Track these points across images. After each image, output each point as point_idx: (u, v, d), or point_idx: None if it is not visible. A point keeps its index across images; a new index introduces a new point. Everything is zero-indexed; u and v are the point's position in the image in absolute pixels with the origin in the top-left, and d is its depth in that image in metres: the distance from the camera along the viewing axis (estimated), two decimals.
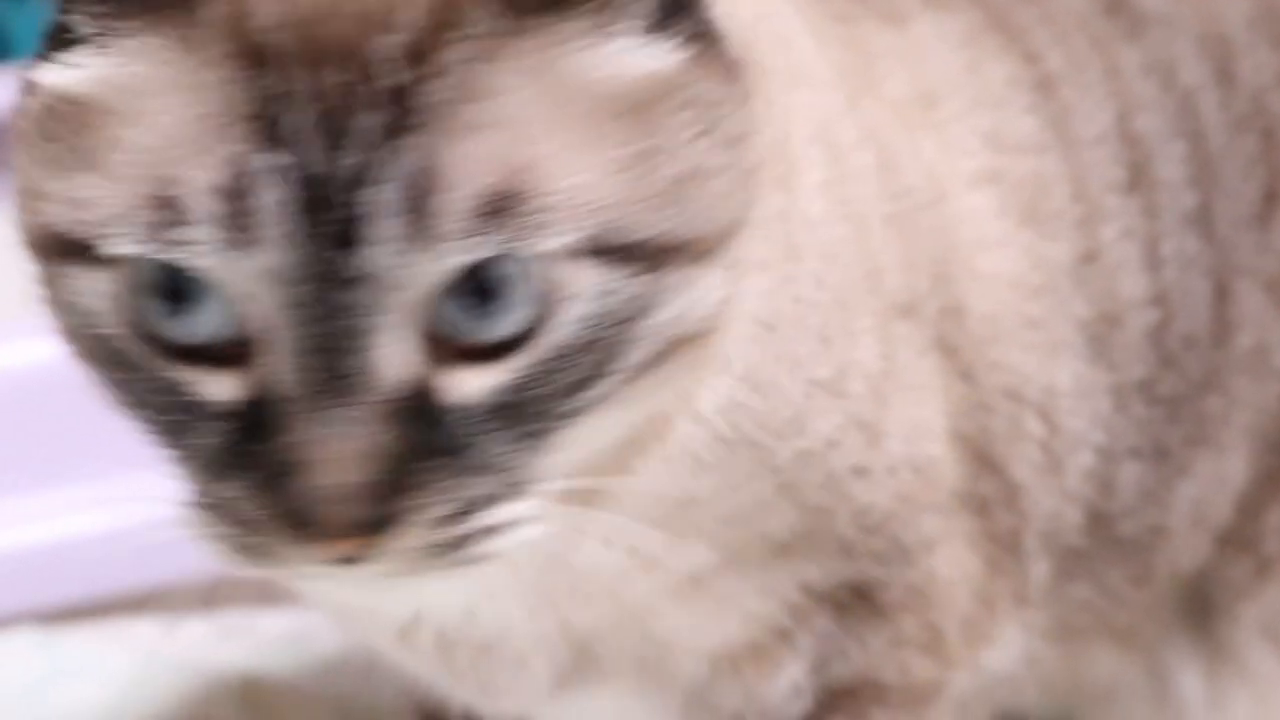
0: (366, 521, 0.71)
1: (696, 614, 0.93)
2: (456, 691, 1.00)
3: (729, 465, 0.87)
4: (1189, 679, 1.13)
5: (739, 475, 0.87)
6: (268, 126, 0.68)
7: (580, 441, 0.75)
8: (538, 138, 0.70)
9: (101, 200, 0.71)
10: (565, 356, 0.72)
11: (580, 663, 0.94)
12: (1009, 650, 1.03)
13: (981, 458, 0.98)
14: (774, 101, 0.86)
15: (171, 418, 0.74)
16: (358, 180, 0.68)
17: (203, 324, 0.72)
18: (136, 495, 1.57)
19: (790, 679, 0.95)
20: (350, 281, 0.68)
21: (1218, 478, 1.08)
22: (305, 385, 0.70)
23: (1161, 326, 1.04)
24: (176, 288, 0.71)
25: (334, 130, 0.68)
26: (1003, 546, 1.00)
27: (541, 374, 0.72)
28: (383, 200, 0.68)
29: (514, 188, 0.69)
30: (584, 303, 0.71)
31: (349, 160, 0.68)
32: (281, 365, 0.70)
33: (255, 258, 0.69)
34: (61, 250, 0.73)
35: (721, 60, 0.76)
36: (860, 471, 0.91)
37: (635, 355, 0.73)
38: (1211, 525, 1.09)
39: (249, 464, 0.72)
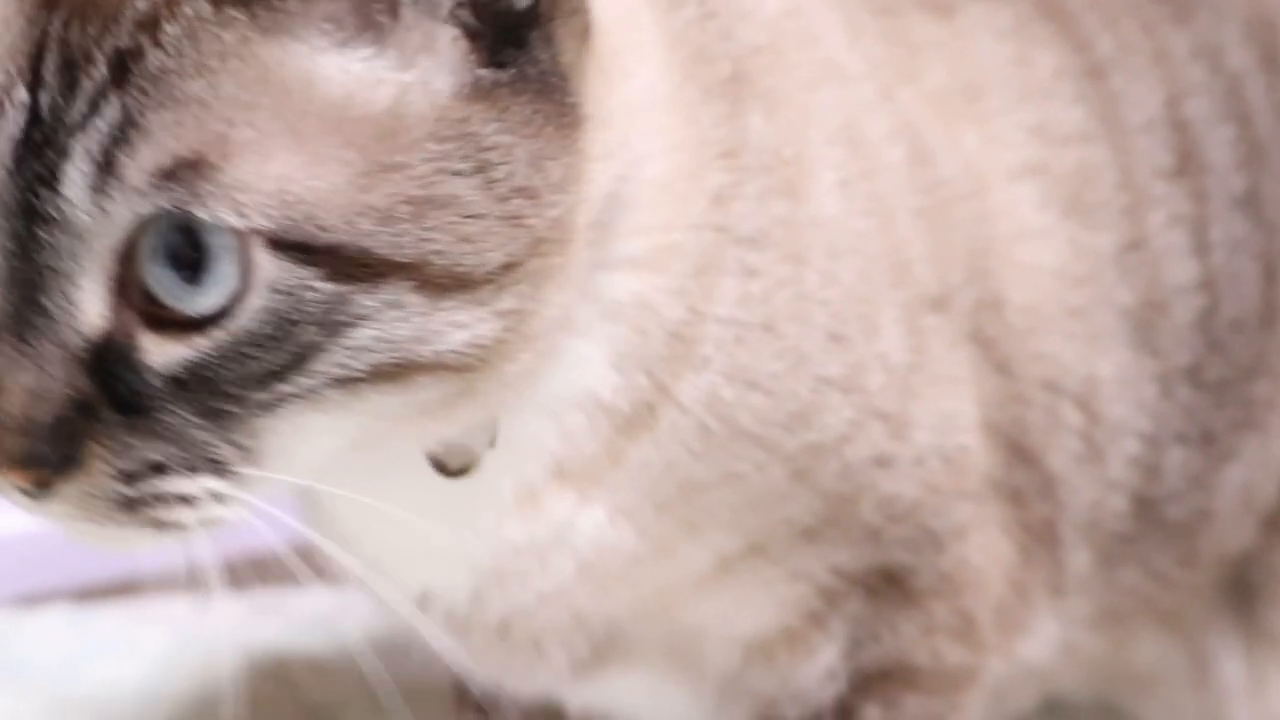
0: (36, 456, 0.73)
1: (727, 601, 0.93)
2: (477, 671, 0.99)
3: (729, 454, 0.87)
4: (1230, 663, 1.12)
5: (744, 464, 0.88)
6: (33, 66, 0.72)
7: (292, 435, 0.75)
8: (239, 123, 0.71)
9: None
10: (253, 344, 0.72)
11: (602, 650, 0.94)
12: (1045, 639, 1.02)
13: (1015, 448, 0.97)
14: (783, 112, 0.86)
15: None
16: (72, 127, 0.71)
17: None
18: None
19: (824, 663, 0.95)
20: (49, 221, 0.71)
21: (1265, 461, 1.07)
22: (10, 316, 0.73)
23: (1209, 311, 1.03)
24: None
25: (70, 79, 0.72)
26: (1037, 536, 0.99)
27: (230, 356, 0.73)
28: (82, 147, 0.71)
29: (202, 159, 0.70)
30: (269, 293, 0.72)
31: (71, 107, 0.71)
32: (2, 296, 0.73)
33: None
34: None
35: (540, 109, 0.75)
36: (882, 462, 0.91)
37: (342, 364, 0.73)
38: (1258, 508, 1.08)
39: None
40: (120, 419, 0.73)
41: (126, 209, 0.71)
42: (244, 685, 1.26)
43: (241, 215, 0.70)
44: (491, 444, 0.85)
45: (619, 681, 0.96)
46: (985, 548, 0.96)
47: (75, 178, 0.71)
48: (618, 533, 0.88)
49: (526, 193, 0.75)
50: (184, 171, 0.70)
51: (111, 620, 1.37)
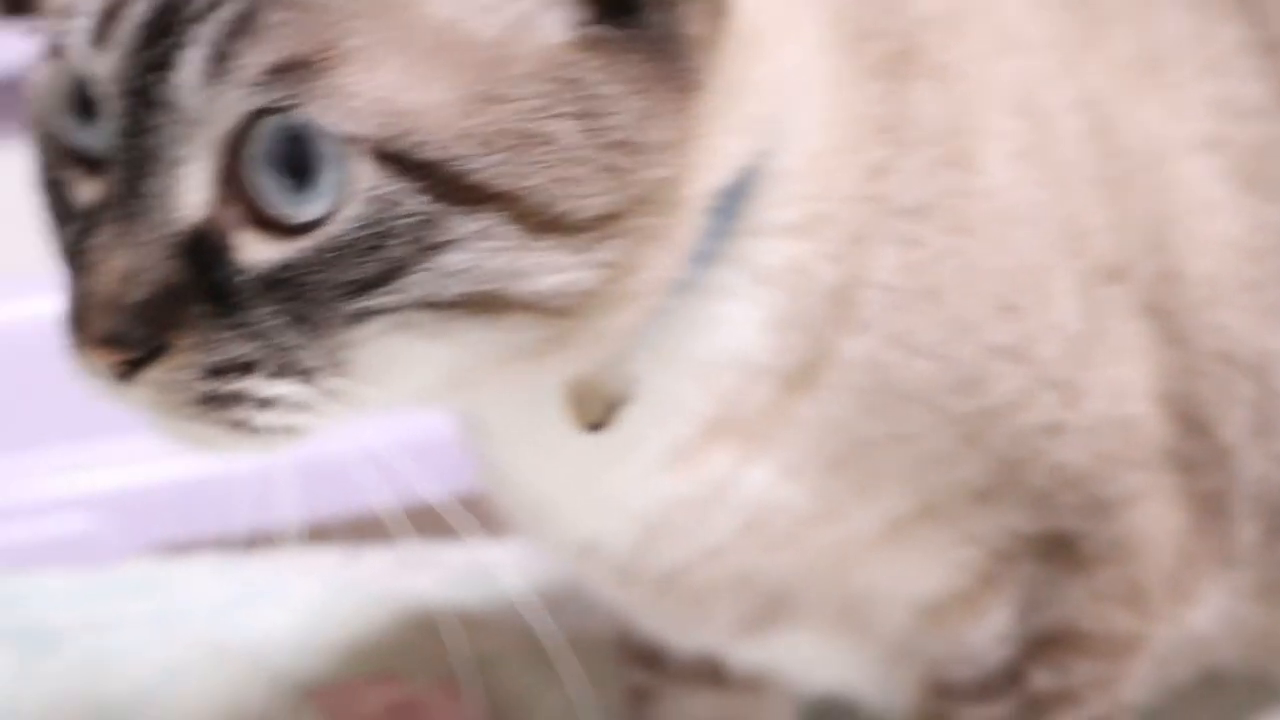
0: (122, 337, 0.73)
1: (900, 562, 0.93)
2: (642, 624, 1.01)
3: (895, 415, 0.87)
4: None
5: (912, 425, 0.88)
6: None
7: (382, 354, 0.75)
8: (351, 30, 0.72)
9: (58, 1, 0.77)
10: (346, 252, 0.73)
11: (767, 609, 0.95)
12: (1210, 610, 1.02)
13: (1189, 419, 0.96)
14: (956, 84, 0.87)
15: (57, 213, 0.79)
16: (193, 16, 0.73)
17: (95, 136, 0.77)
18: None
19: (995, 625, 0.95)
20: (162, 106, 0.73)
21: None
22: (114, 197, 0.74)
23: None
24: (84, 102, 0.77)
25: None
26: (1207, 507, 0.98)
27: (323, 263, 0.73)
28: (200, 35, 0.72)
29: (313, 61, 0.71)
30: (367, 203, 0.73)
31: None
32: (109, 176, 0.75)
33: (105, 58, 0.74)
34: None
35: (654, 69, 0.76)
36: (1053, 430, 0.91)
37: (432, 285, 0.73)
38: None
39: (74, 264, 0.76)
40: (210, 313, 0.74)
41: (236, 101, 0.72)
42: (397, 635, 1.28)
43: (346, 120, 0.72)
44: (629, 399, 0.86)
45: (784, 640, 0.97)
46: (1156, 516, 0.96)
47: (190, 65, 0.72)
48: (785, 491, 0.88)
49: (629, 147, 0.75)
50: (295, 71, 0.71)
51: (262, 569, 1.38)
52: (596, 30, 0.75)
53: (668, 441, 0.87)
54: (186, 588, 1.37)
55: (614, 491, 0.89)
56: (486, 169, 0.73)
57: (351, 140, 0.72)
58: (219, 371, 0.74)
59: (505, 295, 0.74)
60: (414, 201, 0.72)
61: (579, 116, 0.74)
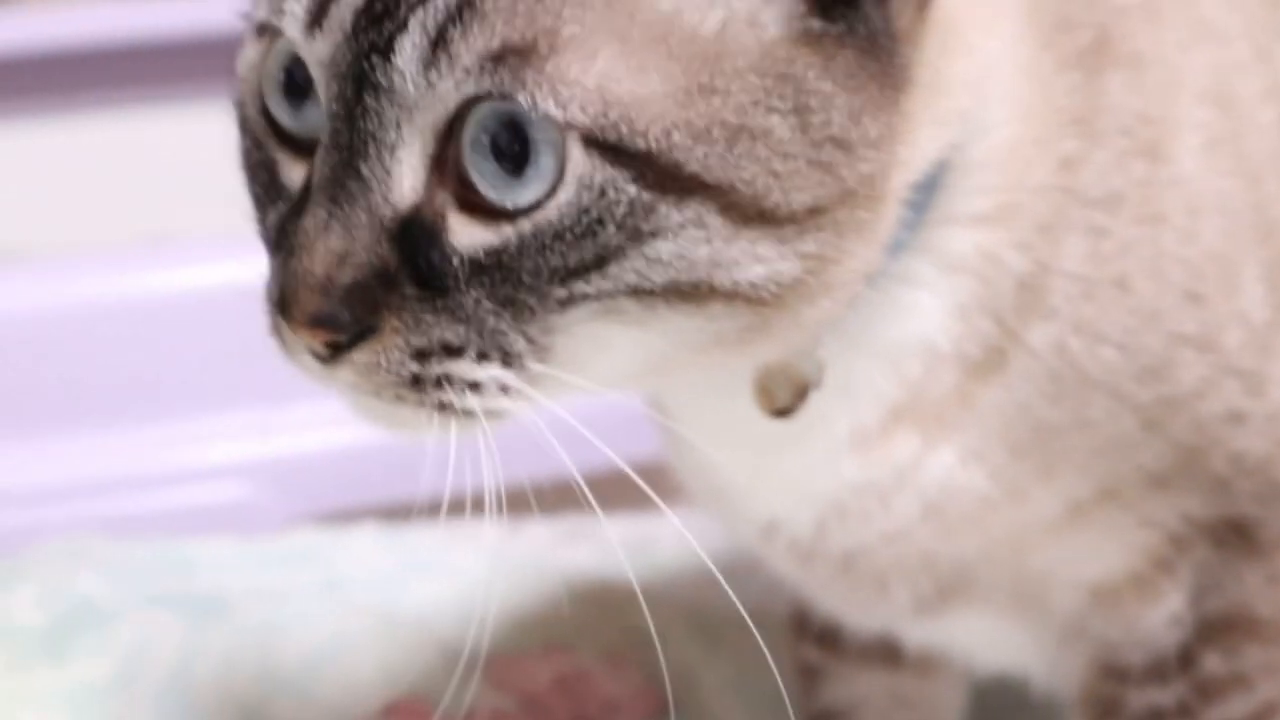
0: (332, 318, 0.74)
1: (1078, 545, 0.93)
2: (820, 602, 1.02)
3: (1079, 400, 0.88)
4: None
5: (1095, 411, 0.88)
6: None
7: (586, 340, 0.76)
8: (569, 18, 0.73)
9: None
10: (556, 238, 0.74)
11: (946, 590, 0.96)
12: None
13: None
14: (1150, 73, 0.86)
15: (262, 192, 0.80)
16: (413, 3, 0.74)
17: (305, 118, 0.78)
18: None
19: (1170, 609, 0.95)
20: (379, 90, 0.74)
21: None
22: (326, 179, 0.75)
23: None
24: (295, 83, 0.78)
25: None
26: None
27: (533, 248, 0.74)
28: (420, 21, 0.73)
29: (531, 48, 0.72)
30: (579, 190, 0.73)
31: None
32: (321, 158, 0.76)
33: (321, 41, 0.75)
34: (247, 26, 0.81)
35: (866, 66, 0.76)
36: (1236, 418, 0.91)
37: (639, 273, 0.74)
38: None
39: (282, 245, 0.77)
40: (419, 295, 0.75)
41: (454, 87, 0.73)
42: (560, 607, 1.28)
43: (562, 107, 0.72)
44: (818, 385, 0.86)
45: (960, 620, 0.98)
46: None
47: (409, 50, 0.73)
48: (968, 475, 0.89)
49: (840, 143, 0.76)
50: (512, 58, 0.72)
51: (424, 540, 1.40)
52: (813, 24, 0.76)
53: (853, 426, 0.88)
54: (351, 557, 1.39)
55: (798, 474, 0.90)
56: (699, 160, 0.74)
57: (568, 127, 0.73)
58: (425, 354, 0.75)
59: (710, 284, 0.75)
60: (626, 189, 0.73)
61: (793, 112, 0.75)
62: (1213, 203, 0.89)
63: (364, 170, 0.74)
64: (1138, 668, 0.97)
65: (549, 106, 0.72)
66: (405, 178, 0.75)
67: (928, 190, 0.84)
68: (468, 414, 0.77)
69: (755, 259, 0.75)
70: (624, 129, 0.73)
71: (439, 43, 0.73)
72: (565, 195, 0.73)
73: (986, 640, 1.00)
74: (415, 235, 0.75)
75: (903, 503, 0.90)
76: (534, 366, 0.76)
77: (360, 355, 0.75)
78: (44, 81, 2.22)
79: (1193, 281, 0.88)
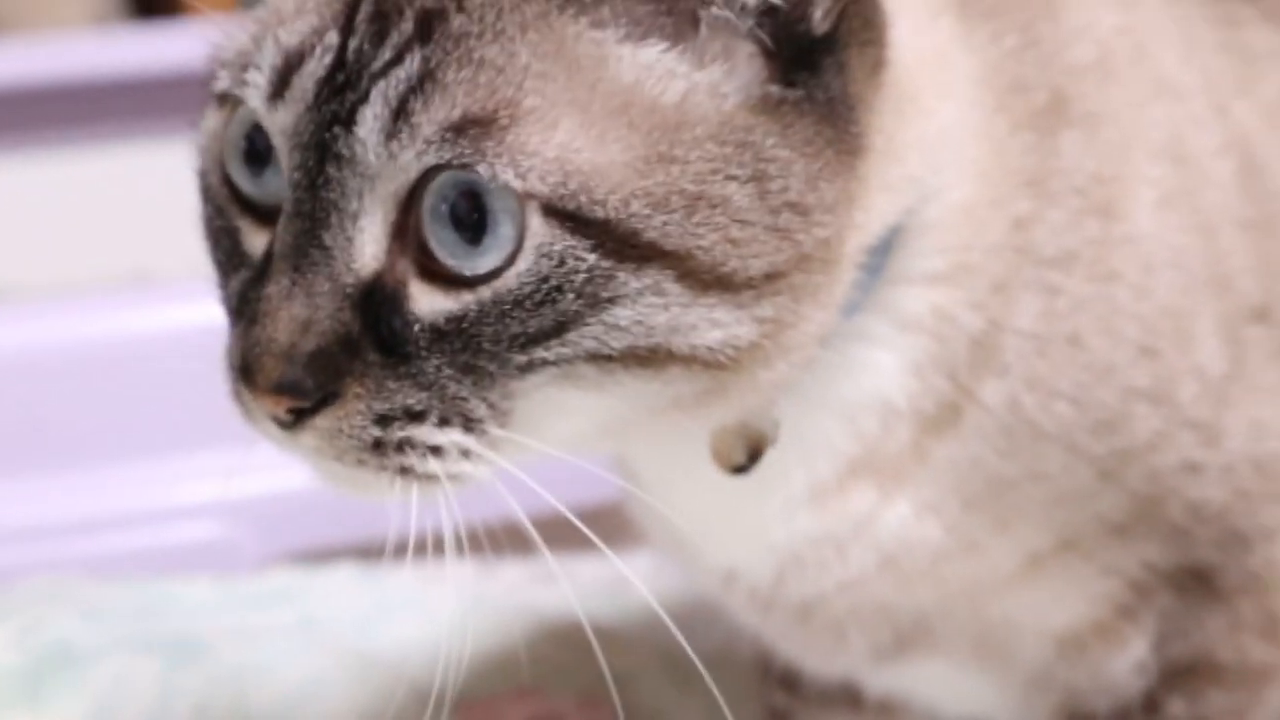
0: (294, 385, 0.75)
1: (1039, 595, 0.94)
2: (779, 649, 1.03)
3: (1034, 455, 0.89)
4: None
5: (1050, 465, 0.89)
6: (347, 13, 0.76)
7: (544, 404, 0.77)
8: (529, 90, 0.74)
9: (231, 45, 0.80)
10: (516, 305, 0.75)
11: (905, 639, 0.97)
12: None
13: None
14: (1105, 132, 0.88)
15: (225, 259, 0.81)
16: (375, 74, 0.75)
17: (266, 185, 0.79)
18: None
19: (1134, 656, 0.96)
20: (340, 159, 0.75)
21: None
22: (289, 247, 0.76)
23: None
24: (256, 151, 0.79)
25: (379, 30, 0.75)
26: None
27: (493, 315, 0.75)
28: (381, 93, 0.74)
29: (491, 119, 0.73)
30: (538, 258, 0.74)
31: (376, 55, 0.75)
32: (283, 226, 0.77)
33: (283, 111, 0.76)
34: (206, 94, 0.83)
35: (823, 132, 0.77)
36: (1192, 468, 0.92)
37: (598, 339, 0.75)
38: None
39: (244, 312, 0.78)
40: (381, 361, 0.76)
41: (415, 157, 0.74)
42: (535, 648, 1.29)
43: (521, 177, 0.73)
44: (773, 443, 0.87)
45: (920, 669, 0.99)
46: None
47: (370, 120, 0.74)
48: (924, 528, 0.90)
49: (798, 209, 0.77)
50: (472, 129, 0.73)
51: (399, 581, 1.40)
52: (774, 91, 0.77)
53: (811, 481, 0.89)
54: (327, 597, 1.39)
55: (756, 527, 0.91)
56: (657, 228, 0.75)
57: (526, 196, 0.74)
58: (388, 419, 0.76)
59: (668, 349, 0.76)
60: (585, 257, 0.74)
61: (751, 179, 0.76)
62: (1167, 258, 0.90)
63: (326, 239, 0.75)
64: (1103, 714, 0.97)
65: (508, 176, 0.73)
66: (367, 246, 0.76)
67: (882, 253, 0.85)
68: (429, 478, 0.78)
69: (713, 324, 0.76)
70: (583, 198, 0.74)
71: (400, 113, 0.74)
72: (524, 263, 0.74)
73: (949, 688, 1.01)
74: (377, 302, 0.76)
75: (859, 554, 0.91)
76: (495, 431, 0.77)
77: (323, 421, 0.76)
78: (19, 116, 2.23)
79: (1147, 337, 0.89)
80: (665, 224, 0.74)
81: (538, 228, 0.74)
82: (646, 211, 0.74)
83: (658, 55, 0.76)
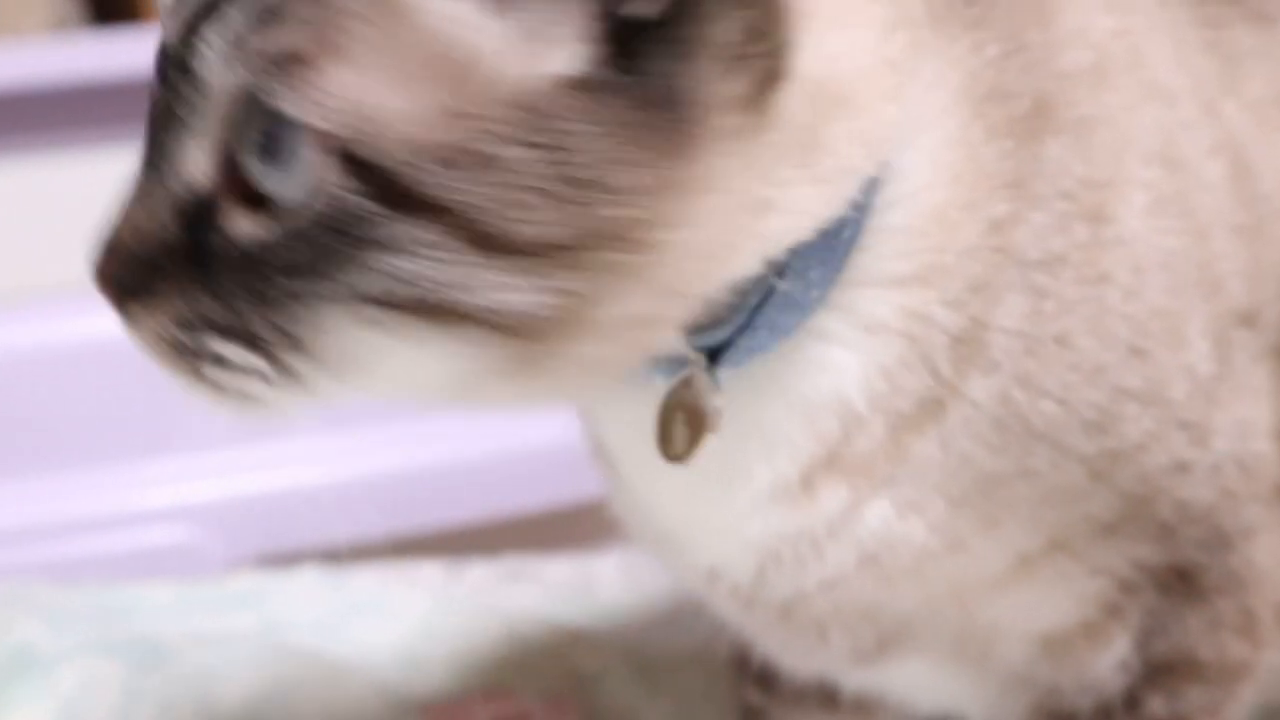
0: (118, 279, 0.81)
1: (1027, 596, 0.94)
2: (759, 646, 1.02)
3: (1024, 451, 0.88)
4: None
5: (1040, 462, 0.89)
6: None
7: (348, 344, 0.79)
8: (350, 33, 0.76)
9: None
10: (301, 238, 0.77)
11: (886, 639, 0.96)
12: None
13: None
14: (1098, 136, 0.87)
15: None
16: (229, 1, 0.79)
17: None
18: (420, 438, 1.59)
19: (1118, 654, 0.96)
20: (187, 73, 0.79)
21: None
22: (146, 154, 0.82)
23: None
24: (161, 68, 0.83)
25: None
26: None
27: (283, 244, 0.78)
28: (230, 15, 0.77)
29: (311, 56, 0.76)
30: (323, 196, 0.76)
31: None
32: (146, 133, 0.82)
33: (168, 27, 0.81)
34: None
35: (641, 115, 0.76)
36: (1181, 468, 0.91)
37: (380, 285, 0.76)
38: None
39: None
40: (194, 273, 0.80)
41: (238, 82, 0.76)
42: (503, 649, 1.28)
43: (320, 117, 0.75)
44: (713, 430, 0.86)
45: (898, 668, 0.98)
46: (1270, 549, 0.96)
47: (214, 40, 0.77)
48: (906, 526, 0.89)
49: (589, 186, 0.76)
50: (292, 64, 0.75)
51: (365, 582, 1.39)
52: (595, 72, 0.76)
53: (773, 478, 0.88)
54: (291, 601, 1.38)
55: (730, 522, 0.90)
56: (434, 183, 0.75)
57: (320, 135, 0.75)
58: (190, 325, 0.80)
59: (457, 306, 0.77)
60: (364, 204, 0.76)
61: (541, 147, 0.75)
62: (1158, 260, 0.89)
63: (168, 150, 0.80)
64: (1084, 712, 0.97)
65: (307, 113, 0.75)
66: (197, 160, 0.79)
67: (834, 251, 0.84)
68: (220, 389, 0.81)
69: (499, 287, 0.76)
70: (370, 145, 0.75)
71: (239, 40, 0.77)
72: (313, 200, 0.76)
73: (925, 686, 1.00)
74: (200, 217, 0.79)
75: (837, 552, 0.90)
76: (287, 357, 0.80)
77: (142, 317, 0.81)
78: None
79: (1137, 337, 0.88)
80: (449, 180, 0.75)
81: (328, 167, 0.75)
82: (425, 164, 0.75)
83: (477, 15, 0.76)
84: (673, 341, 0.83)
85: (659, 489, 0.92)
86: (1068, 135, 0.87)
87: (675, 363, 0.86)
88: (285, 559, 1.47)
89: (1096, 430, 0.88)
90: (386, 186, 0.75)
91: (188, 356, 0.81)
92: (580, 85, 0.75)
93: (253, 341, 0.80)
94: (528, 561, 1.38)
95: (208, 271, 0.79)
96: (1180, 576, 0.94)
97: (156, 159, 0.80)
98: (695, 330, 0.84)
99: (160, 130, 0.80)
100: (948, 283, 0.86)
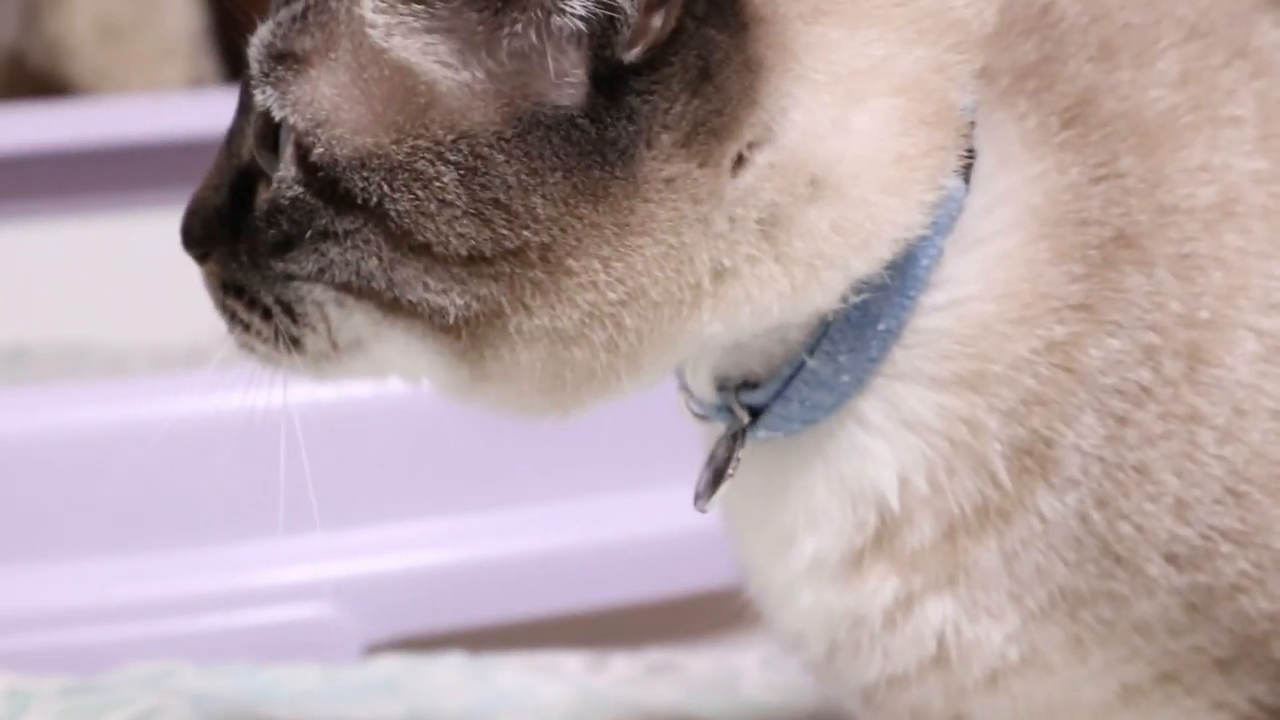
0: (189, 235, 0.93)
1: None
2: None
3: (1103, 574, 0.88)
4: None
5: (1123, 588, 0.88)
6: None
7: (329, 316, 0.89)
8: (338, 43, 0.87)
9: None
10: (267, 216, 0.88)
11: None
12: None
13: None
14: (1208, 275, 0.87)
15: None
16: (280, 3, 0.90)
17: None
18: (560, 519, 1.58)
19: None
20: (248, 64, 0.90)
21: None
22: (230, 130, 0.93)
23: None
24: None
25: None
26: None
27: (264, 220, 0.89)
28: (280, 13, 0.89)
29: (301, 59, 0.87)
30: (285, 184, 0.87)
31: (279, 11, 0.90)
32: (235, 113, 0.93)
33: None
34: None
35: (566, 158, 0.84)
36: None
37: (321, 267, 0.87)
38: None
39: None
40: (233, 239, 0.91)
41: (259, 73, 0.88)
42: None
43: (293, 114, 0.86)
44: (728, 477, 0.91)
45: None
46: None
47: (261, 39, 0.89)
48: (978, 632, 0.89)
49: (503, 208, 0.84)
50: (290, 62, 0.87)
51: (508, 673, 1.39)
52: (528, 110, 0.84)
53: (817, 549, 0.91)
54: (435, 689, 1.38)
55: (784, 585, 0.93)
56: (360, 185, 0.85)
57: (289, 129, 0.87)
58: (226, 287, 0.92)
59: (399, 301, 0.86)
60: (304, 198, 0.87)
61: (474, 173, 0.84)
62: (1264, 407, 0.88)
63: (236, 127, 0.92)
64: None
65: (284, 109, 0.86)
66: (248, 139, 0.90)
67: (861, 338, 0.87)
68: (261, 355, 0.91)
69: (425, 286, 0.86)
70: (316, 143, 0.86)
71: (273, 34, 0.88)
72: (278, 184, 0.87)
73: None
74: (245, 189, 0.90)
75: (898, 645, 0.90)
76: (284, 323, 0.89)
77: (206, 275, 0.93)
78: (116, 175, 2.25)
79: (1232, 480, 0.87)
80: (367, 183, 0.85)
81: (288, 159, 0.87)
82: (356, 168, 0.85)
83: (446, 58, 0.85)
84: (652, 380, 0.89)
85: (743, 538, 0.95)
86: (1161, 269, 0.87)
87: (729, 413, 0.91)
88: (423, 639, 1.47)
89: (1185, 564, 0.87)
90: (318, 181, 0.86)
91: (226, 315, 0.92)
92: (525, 129, 0.83)
93: (266, 312, 0.90)
94: (670, 653, 1.37)
95: (243, 242, 0.90)
96: None
97: (229, 136, 0.92)
98: (739, 386, 0.91)
99: (237, 110, 0.92)
100: (998, 391, 0.87)
